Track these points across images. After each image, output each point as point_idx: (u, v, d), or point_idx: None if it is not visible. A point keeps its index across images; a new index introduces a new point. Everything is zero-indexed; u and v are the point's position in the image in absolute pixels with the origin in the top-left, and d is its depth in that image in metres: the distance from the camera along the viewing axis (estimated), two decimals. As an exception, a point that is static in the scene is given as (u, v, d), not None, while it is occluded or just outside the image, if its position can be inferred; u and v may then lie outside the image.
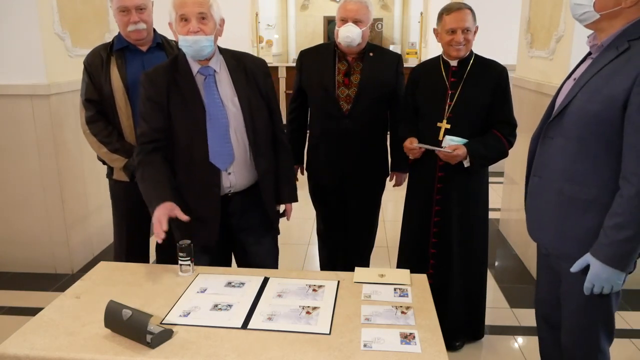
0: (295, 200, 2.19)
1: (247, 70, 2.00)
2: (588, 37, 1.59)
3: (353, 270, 1.89)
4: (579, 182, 1.51)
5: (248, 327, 1.53)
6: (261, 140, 2.01)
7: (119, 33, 2.37)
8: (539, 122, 1.71)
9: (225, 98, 1.94)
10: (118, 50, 2.34)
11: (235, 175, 1.98)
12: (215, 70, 1.94)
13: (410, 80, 2.45)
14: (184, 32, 1.83)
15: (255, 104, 1.99)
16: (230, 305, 1.64)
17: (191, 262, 1.86)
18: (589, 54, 1.61)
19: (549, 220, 1.61)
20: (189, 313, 1.60)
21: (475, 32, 2.25)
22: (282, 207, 2.21)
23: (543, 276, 1.82)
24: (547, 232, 1.62)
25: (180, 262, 1.85)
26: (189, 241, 1.84)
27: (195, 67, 1.92)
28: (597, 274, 1.46)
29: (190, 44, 1.84)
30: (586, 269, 1.50)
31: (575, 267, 1.52)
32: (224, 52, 2.00)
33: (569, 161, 1.53)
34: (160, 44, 2.41)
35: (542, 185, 1.62)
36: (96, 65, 2.33)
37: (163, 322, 1.55)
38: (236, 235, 2.11)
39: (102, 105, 2.34)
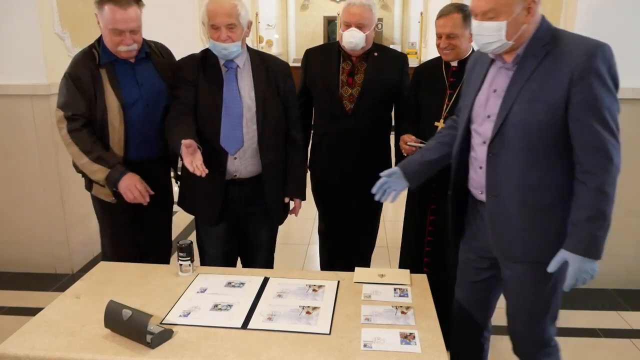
0: (303, 197, 2.32)
1: (268, 69, 2.18)
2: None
3: (353, 270, 1.89)
4: (538, 189, 1.54)
5: (248, 327, 1.53)
6: (269, 133, 2.15)
7: (102, 42, 2.14)
8: (460, 130, 1.72)
9: (243, 90, 2.13)
10: (106, 63, 2.13)
11: (241, 161, 2.14)
12: (238, 66, 2.13)
13: (413, 80, 2.46)
14: (215, 38, 2.04)
15: (270, 100, 2.14)
16: (230, 305, 1.64)
17: (191, 262, 1.86)
18: (492, 61, 1.64)
19: (517, 233, 1.61)
20: (189, 313, 1.60)
21: (471, 35, 2.24)
22: (291, 204, 2.32)
23: (470, 278, 1.84)
24: (517, 245, 1.62)
25: (180, 261, 1.85)
26: (189, 241, 1.86)
27: (222, 60, 2.13)
28: (580, 268, 1.49)
29: (220, 50, 2.05)
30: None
31: (552, 267, 1.54)
32: (251, 51, 2.21)
33: (522, 172, 1.55)
34: (148, 53, 2.22)
35: (501, 203, 1.61)
36: (86, 80, 2.10)
37: (163, 322, 1.55)
38: (241, 224, 2.25)
39: (88, 120, 2.12)
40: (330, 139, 2.53)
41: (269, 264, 2.39)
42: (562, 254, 1.51)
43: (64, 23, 3.21)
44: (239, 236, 2.29)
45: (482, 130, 1.62)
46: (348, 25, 2.39)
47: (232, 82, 2.12)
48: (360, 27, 2.37)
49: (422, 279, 1.83)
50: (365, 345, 1.43)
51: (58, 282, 3.23)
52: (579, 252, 1.48)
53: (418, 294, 1.72)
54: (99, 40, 2.16)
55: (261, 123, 2.12)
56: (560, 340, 2.03)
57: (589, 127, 1.43)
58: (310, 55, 2.63)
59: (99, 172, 2.08)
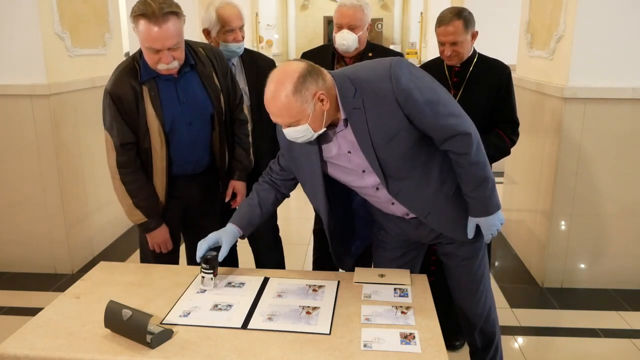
0: None
1: (258, 65, 2.46)
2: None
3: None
4: (443, 184, 1.71)
5: (248, 327, 1.53)
6: (264, 124, 2.27)
7: (142, 55, 1.94)
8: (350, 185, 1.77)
9: (241, 84, 2.40)
10: (147, 79, 1.96)
11: None
12: (233, 64, 2.41)
13: None
14: (230, 40, 2.35)
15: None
16: (230, 305, 1.64)
17: (214, 275, 1.76)
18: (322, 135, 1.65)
19: (461, 221, 1.78)
20: (189, 313, 1.60)
21: (474, 37, 2.25)
22: None
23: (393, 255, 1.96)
24: (460, 228, 1.80)
25: (202, 274, 1.76)
26: (214, 253, 1.77)
27: None
28: (489, 224, 1.73)
29: (235, 50, 2.38)
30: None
31: (470, 233, 1.76)
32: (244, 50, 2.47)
33: (424, 186, 1.69)
34: (193, 65, 2.03)
35: (436, 213, 1.75)
36: (128, 100, 1.93)
37: (163, 322, 1.55)
38: None
39: (136, 147, 2.01)
40: None
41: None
42: (471, 221, 1.74)
43: (64, 23, 3.21)
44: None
45: (368, 182, 1.71)
46: (340, 27, 2.38)
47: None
48: (352, 28, 2.35)
49: (422, 279, 1.83)
50: (365, 345, 1.43)
51: (58, 282, 3.24)
52: (481, 215, 1.71)
53: (418, 294, 1.72)
54: (141, 51, 1.96)
55: (256, 113, 2.37)
56: (561, 340, 2.05)
57: (438, 125, 1.57)
58: (305, 57, 2.63)
59: (135, 216, 2.07)
